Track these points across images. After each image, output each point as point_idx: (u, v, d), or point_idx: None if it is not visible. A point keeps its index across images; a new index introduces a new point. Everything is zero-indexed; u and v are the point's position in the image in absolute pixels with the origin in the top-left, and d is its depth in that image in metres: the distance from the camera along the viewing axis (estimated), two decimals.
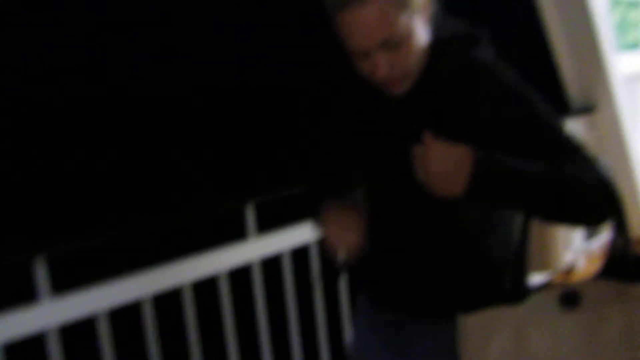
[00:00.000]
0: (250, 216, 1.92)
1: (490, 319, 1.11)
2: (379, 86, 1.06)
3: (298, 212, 1.68)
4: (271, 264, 2.00)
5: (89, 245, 1.65)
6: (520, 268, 1.20)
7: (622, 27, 3.80)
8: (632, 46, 3.92)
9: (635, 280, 1.16)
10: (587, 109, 3.28)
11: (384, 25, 0.97)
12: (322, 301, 2.16)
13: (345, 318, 2.21)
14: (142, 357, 1.77)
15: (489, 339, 1.11)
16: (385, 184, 1.15)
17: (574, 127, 3.32)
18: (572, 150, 1.04)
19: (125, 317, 1.73)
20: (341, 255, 1.09)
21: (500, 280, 1.17)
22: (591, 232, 2.70)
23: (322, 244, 1.14)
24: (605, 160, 1.04)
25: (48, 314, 1.52)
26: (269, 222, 2.01)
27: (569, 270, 2.48)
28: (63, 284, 1.59)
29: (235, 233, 1.92)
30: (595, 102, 3.27)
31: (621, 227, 1.24)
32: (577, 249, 2.57)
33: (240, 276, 1.96)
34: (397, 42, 0.99)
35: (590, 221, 1.11)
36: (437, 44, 1.07)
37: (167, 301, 1.82)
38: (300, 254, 2.05)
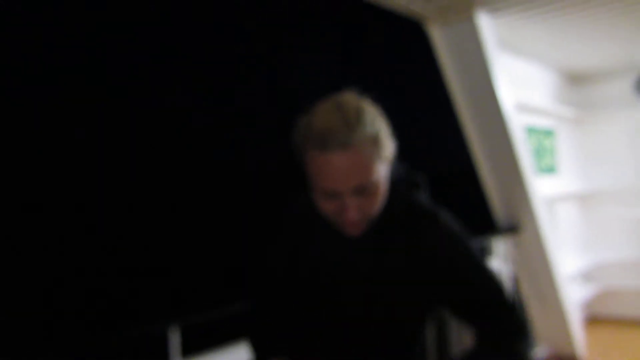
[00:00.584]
0: (174, 339, 1.79)
1: None
2: (337, 225, 1.05)
3: (229, 334, 1.60)
4: None
5: None
6: None
7: (539, 153, 4.09)
8: (548, 170, 4.21)
9: None
10: (512, 229, 3.42)
11: (361, 171, 0.97)
12: None
13: None
14: None
15: None
16: (334, 320, 1.13)
17: (502, 246, 3.44)
18: (504, 314, 1.07)
19: None
20: None
21: None
22: None
23: None
24: (530, 335, 1.07)
25: None
26: (196, 346, 1.86)
27: None
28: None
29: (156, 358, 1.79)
30: (520, 222, 3.42)
31: None
32: None
33: None
34: (370, 188, 0.99)
35: None
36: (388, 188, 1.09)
37: None
38: None
